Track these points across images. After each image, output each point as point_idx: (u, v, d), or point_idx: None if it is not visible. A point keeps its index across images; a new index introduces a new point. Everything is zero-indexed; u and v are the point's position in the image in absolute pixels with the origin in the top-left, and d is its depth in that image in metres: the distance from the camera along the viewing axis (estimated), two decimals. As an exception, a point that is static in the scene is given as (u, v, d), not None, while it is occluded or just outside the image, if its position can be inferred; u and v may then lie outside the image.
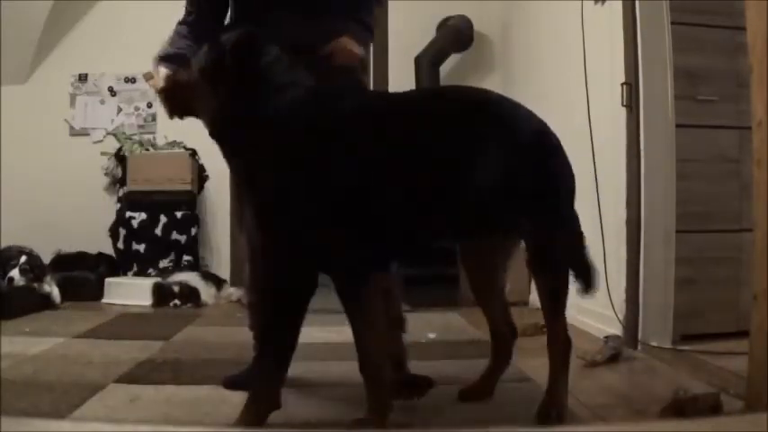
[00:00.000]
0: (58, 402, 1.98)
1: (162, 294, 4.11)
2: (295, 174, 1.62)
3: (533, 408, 1.83)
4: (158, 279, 4.28)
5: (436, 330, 3.17)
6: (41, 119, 4.93)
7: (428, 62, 4.79)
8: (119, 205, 4.75)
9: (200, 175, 4.76)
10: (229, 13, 2.18)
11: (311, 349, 2.59)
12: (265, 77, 1.66)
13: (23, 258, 3.90)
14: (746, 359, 1.78)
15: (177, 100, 1.80)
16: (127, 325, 3.49)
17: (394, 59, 4.73)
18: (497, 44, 5.13)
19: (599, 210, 3.01)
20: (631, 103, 2.86)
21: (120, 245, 4.58)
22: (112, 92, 5.06)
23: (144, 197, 4.58)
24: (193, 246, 4.65)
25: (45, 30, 4.81)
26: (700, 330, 2.86)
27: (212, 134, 1.71)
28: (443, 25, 4.95)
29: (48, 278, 3.99)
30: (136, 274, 4.51)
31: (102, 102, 5.06)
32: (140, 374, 2.38)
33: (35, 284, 3.87)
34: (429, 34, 4.89)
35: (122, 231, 4.57)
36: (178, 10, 2.23)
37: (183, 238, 4.60)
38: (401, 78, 4.57)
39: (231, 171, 1.80)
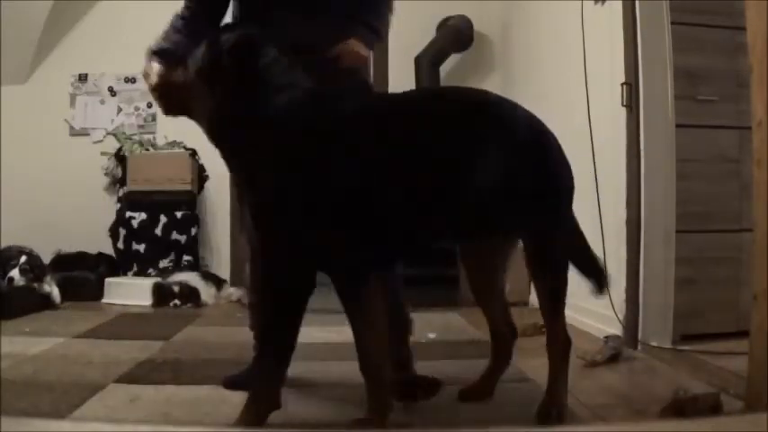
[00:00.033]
0: (58, 402, 1.98)
1: (162, 294, 4.11)
2: (293, 174, 1.62)
3: (533, 408, 1.83)
4: (158, 279, 4.28)
5: (436, 330, 3.17)
6: (41, 119, 4.93)
7: (428, 62, 4.79)
8: (119, 205, 4.75)
9: (201, 175, 4.76)
10: (231, 11, 2.17)
11: (311, 349, 2.59)
12: (264, 78, 1.66)
13: (23, 258, 3.90)
14: (746, 359, 1.78)
15: (172, 99, 1.79)
16: (127, 325, 3.49)
17: (394, 59, 4.74)
18: (497, 44, 5.13)
19: (599, 210, 3.01)
20: (631, 103, 2.86)
21: (120, 245, 4.58)
22: (112, 92, 5.07)
23: (144, 197, 4.58)
24: (193, 246, 4.65)
25: (45, 30, 4.81)
26: (700, 330, 2.86)
27: (210, 134, 1.71)
28: (443, 25, 4.95)
29: (48, 278, 3.99)
30: (136, 274, 4.51)
31: (102, 102, 5.07)
32: (140, 374, 2.38)
33: (35, 284, 3.87)
34: (429, 34, 4.89)
35: (122, 231, 4.57)
36: (178, 10, 2.22)
37: (183, 238, 4.60)
38: (401, 78, 4.58)
39: (230, 171, 1.80)
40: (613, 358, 2.55)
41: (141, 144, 4.91)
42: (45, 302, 3.84)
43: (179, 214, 4.60)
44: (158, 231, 4.57)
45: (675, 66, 2.88)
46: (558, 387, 1.85)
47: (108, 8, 4.91)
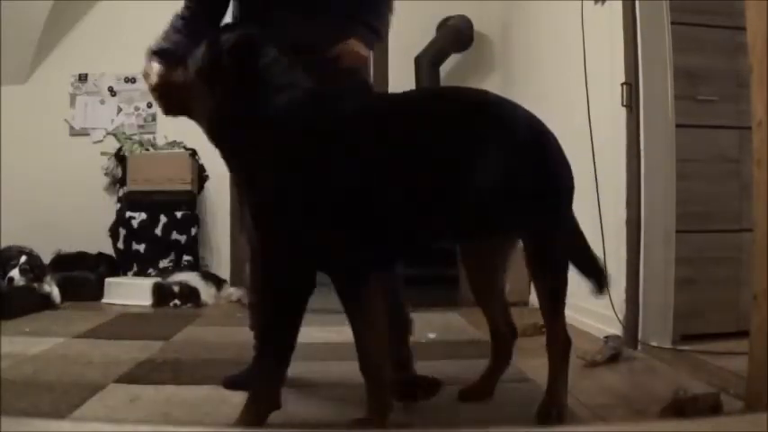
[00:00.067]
0: (58, 402, 1.98)
1: (162, 294, 4.11)
2: (293, 174, 1.62)
3: (533, 408, 1.83)
4: (158, 279, 4.28)
5: (436, 330, 3.16)
6: (41, 119, 4.93)
7: (428, 62, 4.79)
8: (119, 205, 4.75)
9: (201, 175, 4.76)
10: (231, 11, 2.17)
11: (311, 349, 2.59)
12: (264, 78, 1.66)
13: (23, 258, 3.90)
14: (746, 359, 1.78)
15: (172, 99, 1.79)
16: (127, 325, 3.49)
17: (394, 59, 4.74)
18: (497, 44, 5.13)
19: (599, 210, 3.01)
20: (631, 103, 2.86)
21: (120, 245, 4.58)
22: (112, 92, 5.07)
23: (144, 197, 4.58)
24: (193, 246, 4.65)
25: (45, 30, 4.81)
26: (700, 330, 2.86)
27: (210, 134, 1.71)
28: (443, 25, 4.95)
29: (48, 278, 3.99)
30: (136, 274, 4.51)
31: (102, 102, 5.07)
32: (140, 374, 2.38)
33: (35, 284, 3.87)
34: (429, 34, 4.89)
35: (122, 231, 4.57)
36: (178, 10, 2.22)
37: (183, 238, 4.60)
38: (401, 78, 4.58)
39: (230, 171, 1.80)
40: (613, 358, 2.54)
41: (141, 144, 4.92)
42: (45, 302, 3.84)
43: (179, 214, 4.60)
44: (158, 231, 4.57)
45: (675, 66, 2.88)
46: (558, 387, 1.85)
47: (108, 8, 4.91)
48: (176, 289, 4.12)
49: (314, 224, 1.62)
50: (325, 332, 2.84)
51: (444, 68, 4.93)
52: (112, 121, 5.05)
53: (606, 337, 2.71)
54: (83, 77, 5.05)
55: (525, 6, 4.51)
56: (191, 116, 1.77)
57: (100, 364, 2.51)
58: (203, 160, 4.66)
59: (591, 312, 3.08)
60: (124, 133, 5.01)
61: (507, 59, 5.01)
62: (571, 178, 1.88)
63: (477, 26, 4.98)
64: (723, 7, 2.86)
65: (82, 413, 1.89)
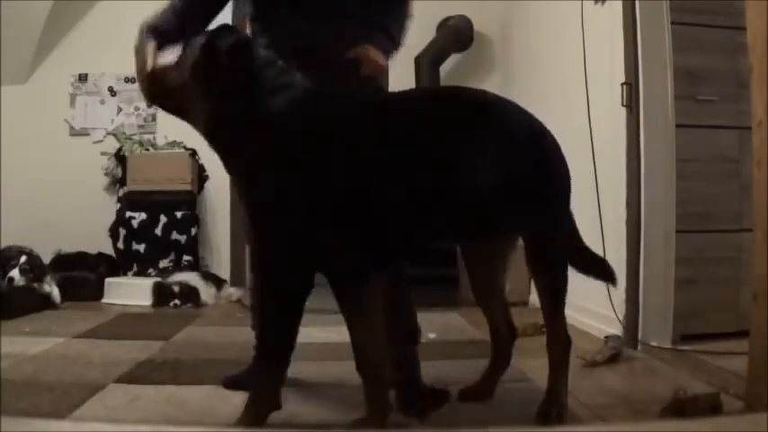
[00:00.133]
0: (58, 402, 1.98)
1: (162, 294, 4.11)
2: (291, 174, 1.61)
3: (533, 408, 1.83)
4: (158, 279, 4.28)
5: (436, 330, 3.16)
6: (41, 119, 4.93)
7: (428, 62, 4.79)
8: (119, 205, 4.75)
9: (201, 175, 4.76)
10: (232, 11, 2.15)
11: (311, 349, 2.59)
12: (262, 79, 1.66)
13: (23, 258, 3.90)
14: (746, 359, 1.78)
15: (160, 88, 1.75)
16: (127, 325, 3.49)
17: (394, 59, 4.73)
18: (497, 44, 5.13)
19: (599, 210, 3.01)
20: (631, 103, 2.85)
21: (120, 245, 4.58)
22: (112, 92, 5.07)
23: (144, 197, 4.57)
24: (193, 246, 4.65)
25: (45, 30, 4.81)
26: (700, 330, 2.86)
27: (207, 135, 1.70)
28: (443, 25, 4.95)
29: (48, 278, 3.99)
30: (136, 274, 4.50)
31: (102, 102, 5.06)
32: (140, 374, 2.38)
33: (35, 284, 3.87)
34: (429, 34, 4.89)
35: (122, 231, 4.57)
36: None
37: (183, 238, 4.60)
38: (401, 78, 4.56)
39: (227, 172, 1.78)
40: (613, 358, 2.54)
41: (141, 144, 4.91)
42: (45, 302, 3.84)
43: (179, 214, 4.60)
44: (158, 231, 4.57)
45: (675, 66, 2.88)
46: (558, 387, 1.85)
47: (108, 8, 4.91)
48: (176, 289, 4.12)
49: (313, 224, 1.61)
50: (324, 332, 2.84)
51: (444, 68, 4.92)
52: (112, 121, 5.05)
53: (606, 337, 2.71)
54: (83, 77, 5.05)
55: (525, 6, 4.51)
56: (184, 117, 1.75)
57: (100, 364, 2.51)
58: (203, 160, 4.66)
59: (591, 312, 3.08)
60: (124, 133, 5.01)
61: (507, 59, 5.01)
62: (569, 178, 1.88)
63: (477, 26, 4.98)
64: (723, 7, 2.86)
65: (82, 413, 1.89)
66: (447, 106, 1.78)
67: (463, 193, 1.70)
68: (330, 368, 2.43)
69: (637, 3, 2.84)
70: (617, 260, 2.87)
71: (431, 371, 2.17)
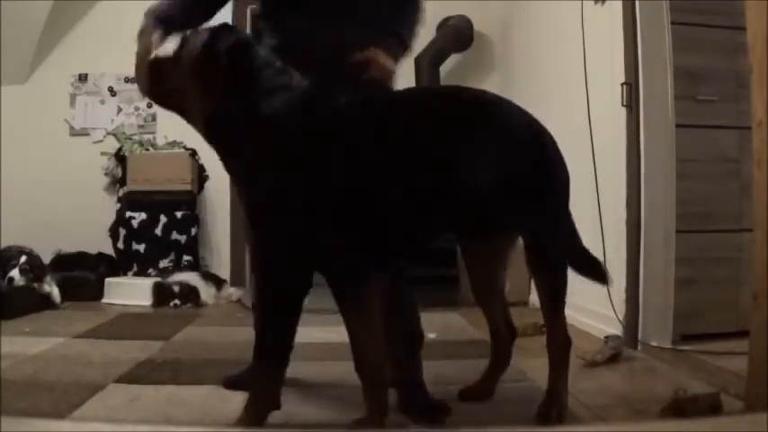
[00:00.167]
0: (58, 402, 1.98)
1: (162, 294, 4.11)
2: (291, 174, 1.61)
3: (533, 408, 1.83)
4: (158, 279, 4.28)
5: (436, 330, 3.16)
6: (41, 119, 4.93)
7: (428, 62, 4.79)
8: (119, 205, 4.74)
9: (200, 175, 4.76)
10: (232, 10, 2.15)
11: (310, 349, 2.59)
12: (262, 79, 1.66)
13: (23, 258, 3.90)
14: (746, 359, 1.78)
15: (168, 98, 1.75)
16: (127, 325, 3.49)
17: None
18: (497, 44, 5.13)
19: (599, 210, 3.01)
20: (631, 103, 2.85)
21: (120, 245, 4.58)
22: (112, 92, 5.06)
23: (144, 197, 4.57)
24: (193, 246, 4.65)
25: (45, 30, 4.80)
26: (700, 330, 2.86)
27: (206, 135, 1.70)
28: (443, 25, 4.95)
29: (48, 278, 3.99)
30: (136, 274, 4.50)
31: (102, 102, 5.06)
32: (140, 374, 2.38)
33: (35, 284, 3.87)
34: (429, 34, 4.88)
35: (122, 231, 4.57)
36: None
37: (183, 238, 4.59)
38: (401, 78, 4.56)
39: (226, 171, 1.78)
40: (613, 358, 2.54)
41: (141, 144, 4.91)
42: (45, 302, 3.83)
43: (179, 214, 4.60)
44: (158, 231, 4.56)
45: (675, 66, 2.88)
46: (558, 387, 1.85)
47: (108, 8, 4.90)
48: (176, 289, 4.12)
49: (313, 224, 1.61)
50: (324, 332, 2.84)
51: (444, 68, 4.92)
52: (112, 121, 5.05)
53: (606, 337, 2.71)
54: (83, 77, 5.05)
55: (525, 6, 4.51)
56: (184, 116, 1.75)
57: (100, 364, 2.51)
58: (203, 160, 4.65)
59: (591, 312, 3.08)
60: (124, 133, 5.01)
61: (507, 59, 5.01)
62: (568, 178, 1.88)
63: (477, 26, 4.98)
64: (723, 7, 2.86)
65: (82, 413, 1.89)
66: (447, 106, 1.77)
67: (463, 192, 1.70)
68: (330, 368, 2.43)
69: (637, 3, 2.84)
70: (617, 260, 2.88)
71: (431, 371, 2.16)
